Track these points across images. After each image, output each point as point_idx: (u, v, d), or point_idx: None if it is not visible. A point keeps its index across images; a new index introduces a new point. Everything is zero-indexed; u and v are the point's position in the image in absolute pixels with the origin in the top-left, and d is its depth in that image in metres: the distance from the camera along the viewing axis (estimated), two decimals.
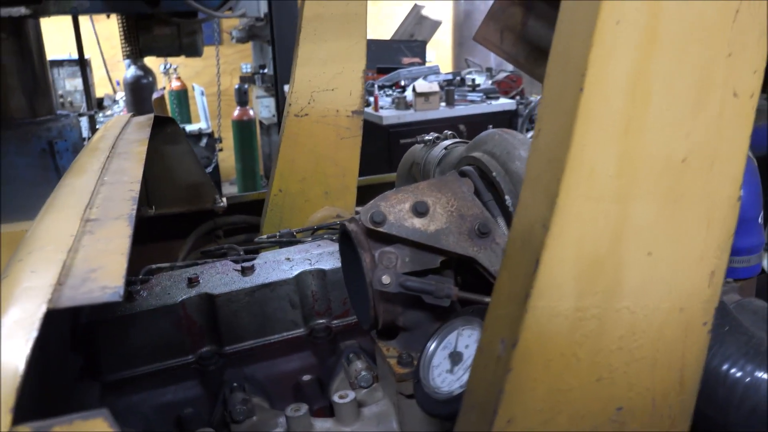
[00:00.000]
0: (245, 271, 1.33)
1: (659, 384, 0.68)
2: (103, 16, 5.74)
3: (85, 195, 1.00)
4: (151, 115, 1.86)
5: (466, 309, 0.96)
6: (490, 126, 2.84)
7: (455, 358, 0.91)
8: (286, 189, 1.98)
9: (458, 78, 5.58)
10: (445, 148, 1.37)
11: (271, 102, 8.50)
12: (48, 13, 3.57)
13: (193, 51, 4.65)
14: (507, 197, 1.05)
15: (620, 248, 0.63)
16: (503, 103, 5.29)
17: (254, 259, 1.40)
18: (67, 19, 4.37)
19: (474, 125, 5.23)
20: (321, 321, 1.34)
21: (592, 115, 0.58)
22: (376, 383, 1.18)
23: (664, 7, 0.57)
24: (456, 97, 5.18)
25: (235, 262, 1.39)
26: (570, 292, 0.62)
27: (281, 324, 1.32)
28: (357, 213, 2.11)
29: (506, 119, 5.42)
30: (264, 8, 4.93)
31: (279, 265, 1.36)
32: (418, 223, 0.98)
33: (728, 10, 0.58)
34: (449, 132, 1.46)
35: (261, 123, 7.10)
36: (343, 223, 1.08)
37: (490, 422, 0.63)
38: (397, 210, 0.98)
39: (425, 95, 4.80)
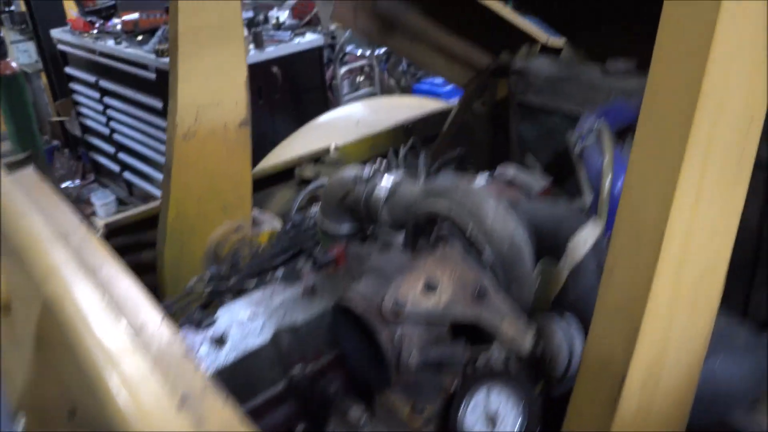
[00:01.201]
0: (218, 344, 1.33)
1: None
2: None
3: None
4: None
5: (481, 367, 1.12)
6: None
7: (491, 419, 1.07)
8: (183, 212, 1.91)
9: (261, 17, 5.39)
10: (389, 188, 1.45)
11: (30, 46, 7.46)
12: None
13: None
14: (486, 252, 1.19)
15: None
16: (311, 39, 5.27)
17: (213, 321, 1.40)
18: None
19: (287, 66, 5.18)
20: (297, 369, 1.41)
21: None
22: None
23: None
24: (264, 38, 5.05)
25: (195, 324, 1.38)
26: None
27: (261, 385, 1.36)
28: (256, 219, 2.12)
29: (317, 56, 5.42)
30: None
31: (247, 327, 1.38)
32: (430, 301, 1.09)
33: None
34: (381, 166, 1.53)
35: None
36: (345, 301, 1.15)
37: None
38: (411, 295, 1.08)
39: None
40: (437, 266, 1.11)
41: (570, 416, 0.89)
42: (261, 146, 2.71)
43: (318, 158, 2.51)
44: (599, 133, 1.67)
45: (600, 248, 1.27)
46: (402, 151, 2.12)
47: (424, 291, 1.09)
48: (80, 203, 6.32)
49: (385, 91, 6.48)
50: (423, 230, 1.33)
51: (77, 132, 6.52)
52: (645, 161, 0.80)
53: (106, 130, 5.89)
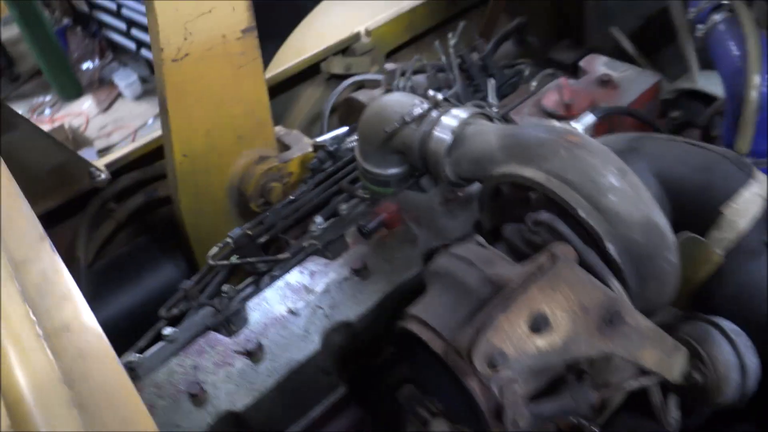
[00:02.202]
0: (253, 356, 1.04)
1: None
2: None
3: None
4: None
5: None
6: None
7: None
8: (190, 152, 1.55)
9: None
10: (452, 131, 1.04)
11: None
12: None
13: None
14: (609, 245, 0.82)
15: None
16: None
17: (240, 313, 1.10)
18: None
19: None
20: (355, 369, 1.13)
21: None
22: None
23: None
24: None
25: (216, 314, 1.10)
26: None
27: (318, 394, 1.10)
28: (281, 141, 1.75)
29: None
30: None
31: (286, 327, 1.08)
32: (541, 343, 0.75)
33: None
34: (437, 95, 1.11)
35: None
36: (414, 326, 0.83)
37: None
38: (514, 338, 0.74)
39: None
40: (544, 293, 0.75)
41: None
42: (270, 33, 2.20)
43: (346, 47, 2.05)
44: (733, 8, 1.19)
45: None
46: (452, 40, 1.66)
47: (530, 330, 0.75)
48: (104, 85, 5.97)
49: None
50: (510, 202, 0.96)
51: (85, 8, 6.00)
52: None
53: (113, 5, 5.37)
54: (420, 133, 1.09)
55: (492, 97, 1.48)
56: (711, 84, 1.54)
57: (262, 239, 1.39)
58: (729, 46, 1.17)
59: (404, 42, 2.12)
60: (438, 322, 0.83)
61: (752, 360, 0.80)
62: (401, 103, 1.16)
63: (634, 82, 1.32)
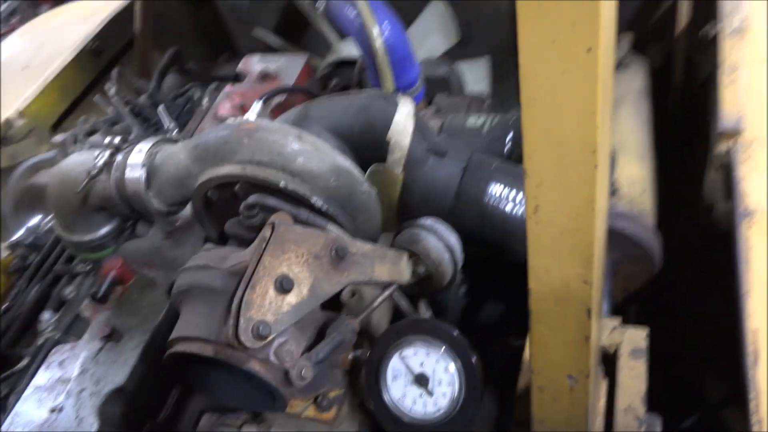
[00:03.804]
0: None
1: None
2: None
3: None
4: None
5: (387, 334, 0.93)
6: None
7: (420, 381, 0.90)
8: None
9: None
10: (143, 165, 1.05)
11: None
12: None
13: None
14: (315, 199, 0.94)
15: None
16: None
17: None
18: None
19: None
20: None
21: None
22: None
23: None
24: None
25: None
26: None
27: None
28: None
29: None
30: None
31: (57, 427, 1.01)
32: (293, 299, 0.83)
33: None
34: (113, 140, 1.10)
35: None
36: (180, 347, 0.86)
37: None
38: (268, 306, 0.81)
39: None
40: (276, 256, 0.84)
41: (536, 364, 0.75)
42: None
43: (2, 138, 1.90)
44: None
45: (422, 126, 1.09)
46: (112, 89, 1.65)
47: (278, 293, 0.83)
48: None
49: None
50: (222, 204, 1.02)
51: None
52: None
53: None
54: (113, 180, 1.09)
55: (167, 122, 1.50)
56: (352, 48, 1.78)
57: None
58: (345, 11, 1.36)
59: (65, 110, 2.03)
60: (200, 330, 0.87)
61: (453, 237, 0.98)
62: (81, 161, 1.15)
63: (288, 67, 1.47)
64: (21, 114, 1.91)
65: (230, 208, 1.02)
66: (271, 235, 0.85)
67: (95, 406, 1.02)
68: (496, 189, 1.04)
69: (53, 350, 1.11)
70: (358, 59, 1.57)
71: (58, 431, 1.00)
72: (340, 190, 0.95)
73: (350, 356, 0.99)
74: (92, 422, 1.01)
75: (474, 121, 1.39)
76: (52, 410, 1.02)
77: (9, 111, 1.90)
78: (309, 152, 0.94)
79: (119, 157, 1.10)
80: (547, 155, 0.56)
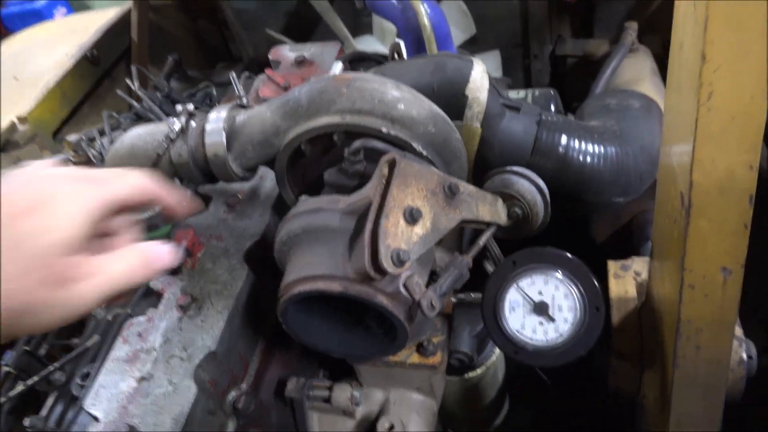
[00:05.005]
0: None
1: None
2: None
3: None
4: None
5: (500, 270, 0.95)
6: None
7: (541, 309, 0.92)
8: None
9: None
10: (223, 129, 1.03)
11: None
12: None
13: None
14: (415, 144, 0.96)
15: None
16: None
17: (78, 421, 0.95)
18: None
19: None
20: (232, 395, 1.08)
21: None
22: None
23: None
24: None
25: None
26: None
27: None
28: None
29: None
30: None
31: (148, 394, 0.97)
32: (420, 231, 0.85)
33: None
34: (188, 106, 1.09)
35: None
36: (303, 289, 0.85)
37: None
38: (401, 235, 0.82)
39: None
40: (400, 188, 0.85)
41: (690, 261, 0.77)
42: None
43: (6, 143, 1.83)
44: None
45: (494, 83, 1.13)
46: (136, 83, 1.62)
47: (407, 224, 0.84)
48: None
49: None
50: (313, 158, 1.03)
51: None
52: None
53: None
54: (192, 143, 1.07)
55: (240, 90, 1.46)
56: (366, 45, 1.83)
57: (42, 350, 1.20)
58: None
59: (66, 117, 1.97)
60: (324, 269, 0.87)
61: (541, 182, 1.02)
62: (148, 131, 1.13)
63: (323, 53, 1.49)
64: (23, 120, 1.85)
65: (323, 162, 1.03)
66: (394, 170, 0.86)
67: (189, 371, 0.99)
68: (571, 141, 1.09)
69: (125, 326, 1.07)
70: (390, 45, 1.62)
71: (151, 400, 0.96)
72: (438, 136, 0.98)
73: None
74: (190, 385, 0.97)
75: (516, 94, 1.46)
76: (141, 379, 0.98)
77: (7, 118, 1.84)
78: (409, 99, 0.97)
79: (194, 123, 1.09)
80: (729, 39, 0.61)
